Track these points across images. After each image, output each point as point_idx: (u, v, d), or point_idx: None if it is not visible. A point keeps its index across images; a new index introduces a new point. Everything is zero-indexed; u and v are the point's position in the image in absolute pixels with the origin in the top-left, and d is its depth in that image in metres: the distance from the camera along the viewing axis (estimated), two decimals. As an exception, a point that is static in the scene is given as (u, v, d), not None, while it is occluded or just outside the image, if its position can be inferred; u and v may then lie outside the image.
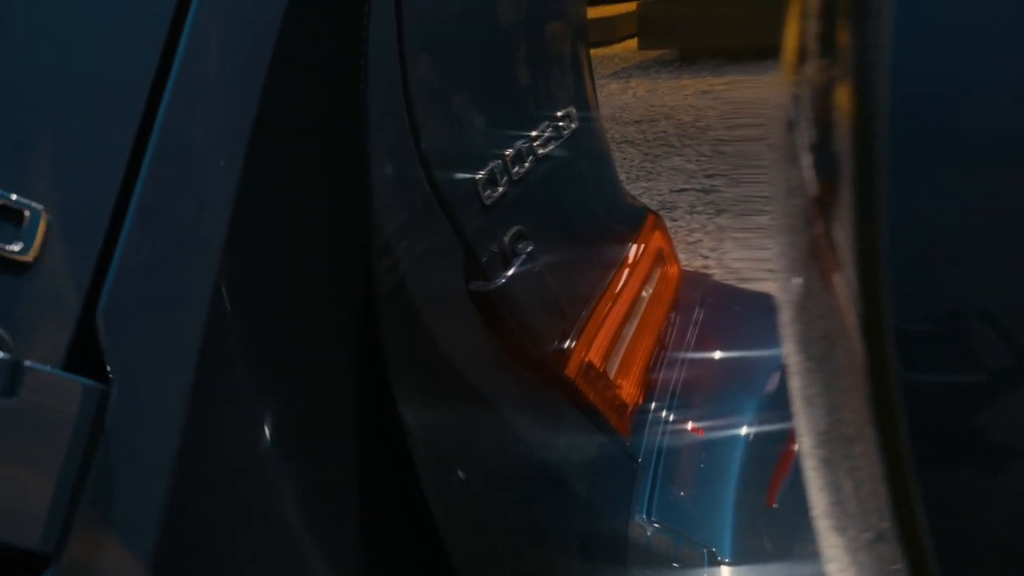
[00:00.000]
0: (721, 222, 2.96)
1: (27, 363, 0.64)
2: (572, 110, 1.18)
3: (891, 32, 0.48)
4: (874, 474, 0.52)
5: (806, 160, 0.54)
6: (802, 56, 0.55)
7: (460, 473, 1.02)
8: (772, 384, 1.43)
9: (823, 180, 0.53)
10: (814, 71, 0.54)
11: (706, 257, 2.71)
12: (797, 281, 0.59)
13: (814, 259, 0.55)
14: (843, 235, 0.50)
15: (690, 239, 2.79)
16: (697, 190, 2.90)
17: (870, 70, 0.48)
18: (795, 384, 0.62)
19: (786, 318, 0.62)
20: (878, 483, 0.52)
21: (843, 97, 0.50)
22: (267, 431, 0.86)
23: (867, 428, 0.51)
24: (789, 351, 0.62)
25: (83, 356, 0.70)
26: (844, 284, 0.51)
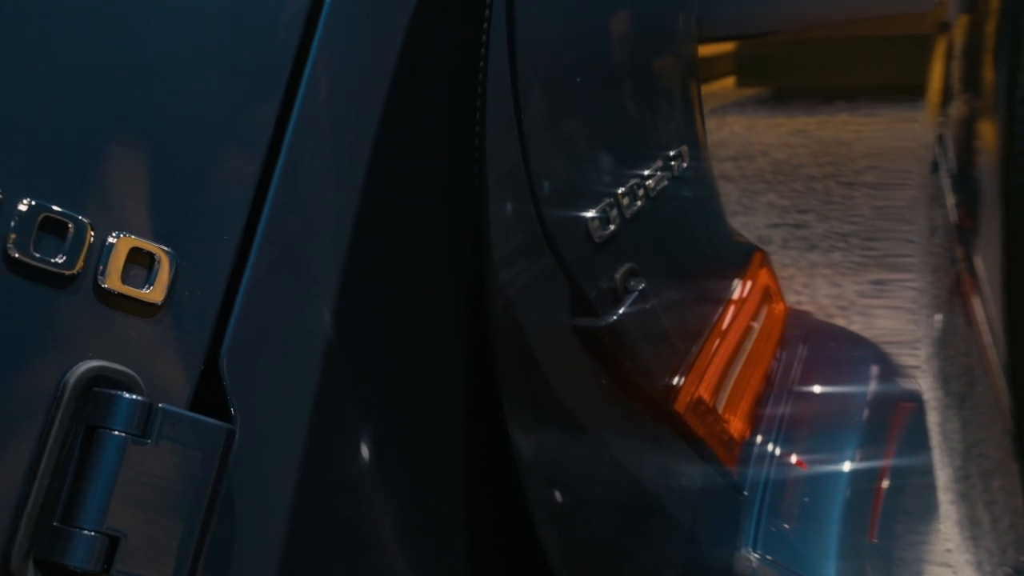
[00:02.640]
0: (812, 258, 2.93)
1: (160, 406, 0.64)
2: (684, 148, 1.17)
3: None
4: (1014, 508, 0.50)
5: (950, 199, 0.52)
6: (946, 97, 0.54)
7: (570, 500, 1.02)
8: (872, 420, 1.41)
9: (964, 210, 0.51)
10: (958, 107, 0.52)
11: (799, 293, 2.68)
12: (939, 318, 0.57)
13: (957, 296, 0.54)
14: (984, 266, 0.49)
15: (783, 274, 2.76)
16: (790, 225, 2.87)
17: (1019, 101, 0.47)
18: (933, 419, 0.61)
19: (926, 354, 0.61)
20: (1017, 517, 0.50)
21: (988, 127, 0.49)
22: (381, 466, 0.86)
23: (1007, 463, 0.50)
24: (928, 387, 0.61)
25: (206, 395, 0.71)
26: (987, 321, 0.49)
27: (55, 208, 0.64)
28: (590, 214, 0.98)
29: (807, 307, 2.46)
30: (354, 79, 0.84)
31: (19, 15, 0.65)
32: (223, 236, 0.73)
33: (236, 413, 0.70)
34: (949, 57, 0.55)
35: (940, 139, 0.54)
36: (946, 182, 0.52)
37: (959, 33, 0.54)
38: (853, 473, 1.33)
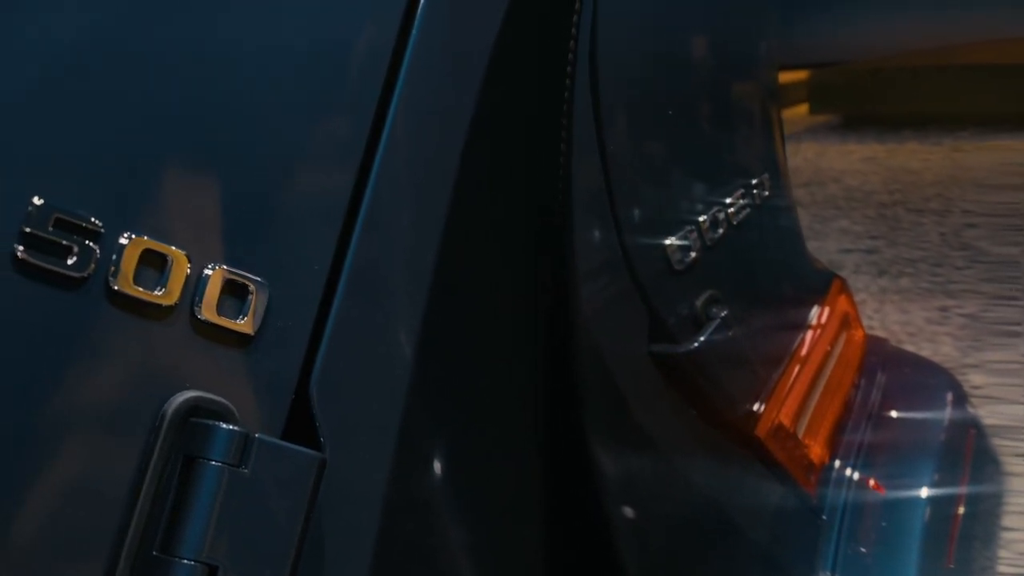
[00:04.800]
0: (882, 283, 2.90)
1: (257, 436, 0.64)
2: (765, 176, 1.16)
3: None
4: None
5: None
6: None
7: (650, 521, 1.02)
8: (949, 446, 1.40)
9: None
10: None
11: (870, 318, 2.65)
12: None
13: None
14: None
15: (856, 299, 2.72)
16: (861, 251, 2.84)
17: None
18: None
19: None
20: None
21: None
22: (463, 491, 0.86)
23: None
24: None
25: (297, 424, 0.70)
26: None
27: (154, 241, 0.64)
28: (671, 241, 0.98)
29: (878, 332, 2.44)
30: (440, 103, 0.83)
31: (106, 50, 0.65)
32: (313, 266, 0.72)
33: (325, 442, 0.69)
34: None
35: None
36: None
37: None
38: (931, 498, 1.31)
